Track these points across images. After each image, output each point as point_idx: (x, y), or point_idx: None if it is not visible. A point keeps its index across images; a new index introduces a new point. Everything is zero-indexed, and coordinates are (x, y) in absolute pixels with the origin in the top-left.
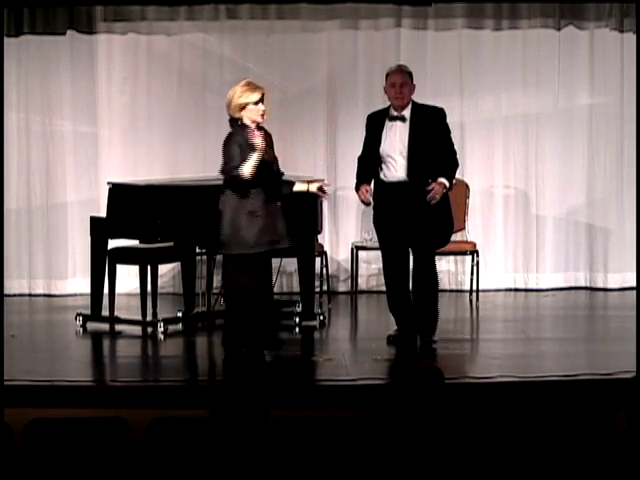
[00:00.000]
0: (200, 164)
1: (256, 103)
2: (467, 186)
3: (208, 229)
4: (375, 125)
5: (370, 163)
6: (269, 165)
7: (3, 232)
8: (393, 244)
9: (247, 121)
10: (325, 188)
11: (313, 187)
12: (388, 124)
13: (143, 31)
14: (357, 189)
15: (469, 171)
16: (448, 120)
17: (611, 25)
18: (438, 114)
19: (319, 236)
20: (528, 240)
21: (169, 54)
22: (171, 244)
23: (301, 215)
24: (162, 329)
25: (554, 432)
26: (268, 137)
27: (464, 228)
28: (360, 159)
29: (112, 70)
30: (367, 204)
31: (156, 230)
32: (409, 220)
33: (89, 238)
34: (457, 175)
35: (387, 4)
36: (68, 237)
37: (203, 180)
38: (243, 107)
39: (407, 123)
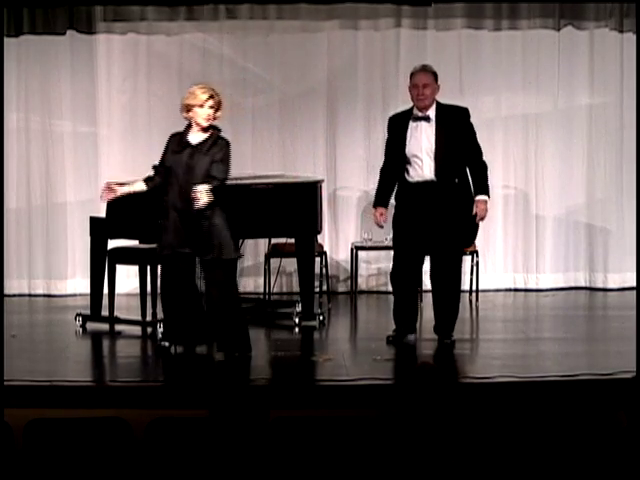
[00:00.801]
0: None
1: (201, 106)
2: None
3: None
4: (399, 126)
5: (393, 177)
6: (170, 170)
7: (3, 233)
8: (411, 246)
9: (192, 123)
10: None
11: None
12: (412, 124)
13: (143, 31)
14: (375, 206)
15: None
16: None
17: (611, 25)
18: (462, 114)
19: (319, 236)
20: (528, 240)
21: (169, 54)
22: None
23: (301, 215)
24: (162, 329)
25: (554, 432)
26: (210, 142)
27: None
28: (383, 171)
29: (112, 70)
30: (380, 227)
31: (156, 230)
32: (435, 220)
33: (89, 238)
34: None
35: (387, 4)
36: (68, 237)
37: None
38: (188, 109)
39: (432, 123)
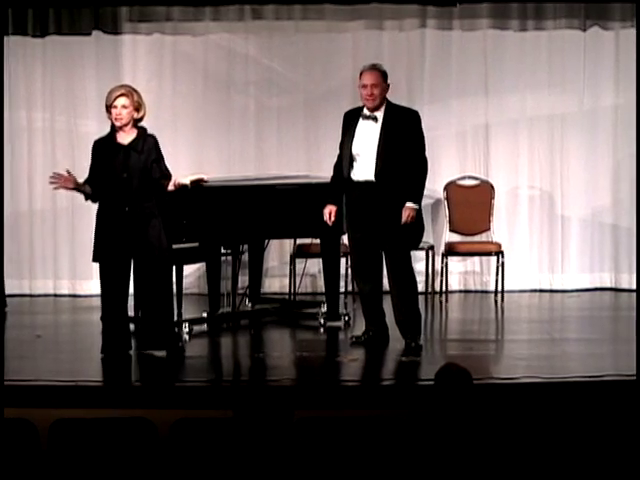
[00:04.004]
0: (225, 164)
1: (114, 106)
2: (492, 187)
3: (233, 230)
4: (350, 123)
5: (343, 174)
6: (104, 175)
7: (3, 231)
8: (363, 244)
9: (114, 125)
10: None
11: (186, 180)
12: (361, 123)
13: (168, 32)
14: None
15: (494, 172)
16: (473, 122)
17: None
18: (411, 116)
19: (344, 237)
20: (553, 241)
21: (194, 54)
22: (196, 244)
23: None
24: (187, 329)
25: (579, 433)
26: (142, 140)
27: (489, 229)
28: (335, 167)
29: (137, 70)
30: (330, 225)
31: (181, 230)
32: (378, 220)
33: None
34: (481, 175)
35: (412, 4)
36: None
37: (228, 180)
38: (107, 110)
39: (379, 123)
